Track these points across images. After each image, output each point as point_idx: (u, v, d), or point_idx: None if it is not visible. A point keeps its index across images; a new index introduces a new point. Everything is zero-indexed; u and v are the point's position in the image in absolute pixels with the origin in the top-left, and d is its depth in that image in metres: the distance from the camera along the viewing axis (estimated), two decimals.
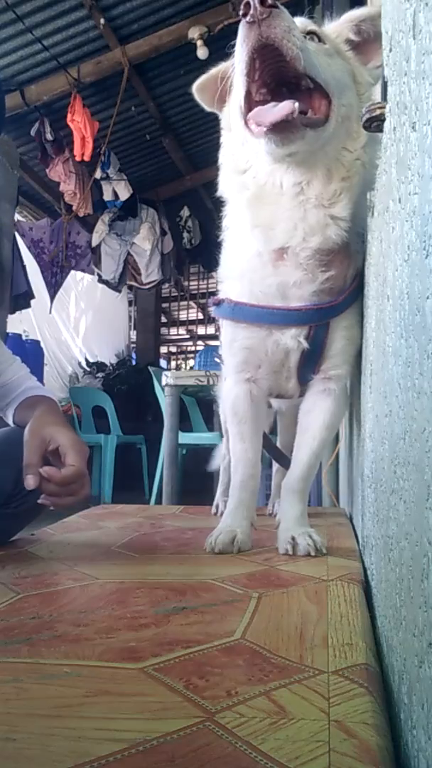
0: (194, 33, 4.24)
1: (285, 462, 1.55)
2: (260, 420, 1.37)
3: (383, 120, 0.78)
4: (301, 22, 1.11)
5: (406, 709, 0.53)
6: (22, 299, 5.10)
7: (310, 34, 1.11)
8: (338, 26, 1.20)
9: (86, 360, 7.00)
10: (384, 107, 0.77)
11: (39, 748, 0.50)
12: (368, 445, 1.01)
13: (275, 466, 1.87)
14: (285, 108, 1.00)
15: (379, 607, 0.81)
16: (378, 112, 0.79)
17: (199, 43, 4.24)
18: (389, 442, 0.70)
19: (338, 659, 0.67)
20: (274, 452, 1.69)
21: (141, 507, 2.10)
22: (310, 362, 1.26)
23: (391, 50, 0.70)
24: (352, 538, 1.37)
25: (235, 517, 1.27)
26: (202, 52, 4.24)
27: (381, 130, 0.80)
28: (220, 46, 4.48)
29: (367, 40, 1.16)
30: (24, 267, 5.15)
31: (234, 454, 1.33)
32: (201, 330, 9.25)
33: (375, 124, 0.81)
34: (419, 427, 0.48)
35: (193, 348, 9.64)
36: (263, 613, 0.82)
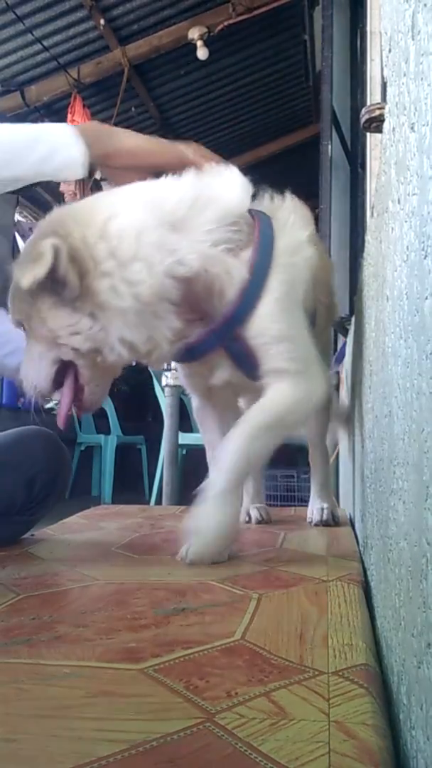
0: (194, 33, 4.23)
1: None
2: (226, 425, 1.27)
3: (382, 120, 0.78)
4: None
5: (405, 709, 0.53)
6: None
7: None
8: None
9: None
10: (383, 108, 0.77)
11: (39, 749, 0.50)
12: (368, 445, 1.01)
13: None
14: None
15: (379, 607, 0.81)
16: (377, 112, 0.80)
17: (199, 43, 4.23)
18: (388, 443, 0.70)
19: (338, 660, 0.67)
20: None
21: (141, 507, 2.10)
22: (246, 367, 1.14)
23: (390, 51, 0.70)
24: (352, 538, 1.37)
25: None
26: (202, 53, 4.24)
27: (380, 131, 0.81)
28: (220, 47, 4.48)
29: None
30: None
31: (209, 462, 1.30)
32: None
33: (374, 124, 0.81)
34: (418, 428, 0.48)
35: None
36: (263, 613, 0.82)
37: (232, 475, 1.07)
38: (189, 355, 1.12)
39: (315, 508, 1.55)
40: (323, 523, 1.51)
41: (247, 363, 1.11)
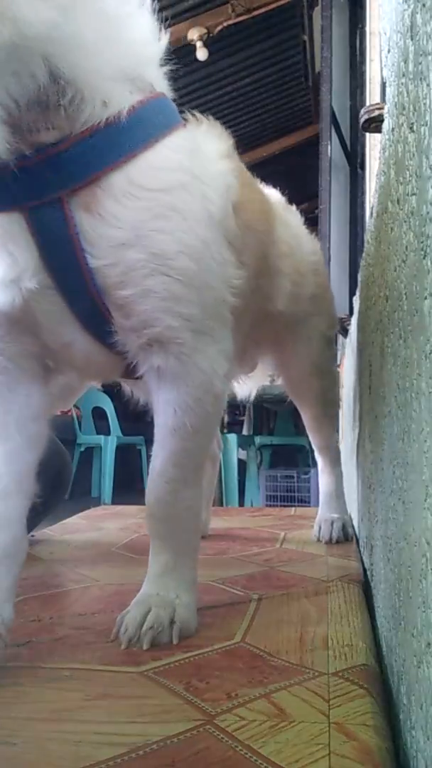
0: (194, 34, 4.23)
1: None
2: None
3: (382, 121, 0.78)
4: None
5: (405, 709, 0.53)
6: None
7: None
8: None
9: None
10: (383, 108, 0.77)
11: (38, 752, 0.50)
12: (368, 445, 1.01)
13: None
14: None
15: (379, 607, 0.81)
16: (377, 113, 0.80)
17: (198, 44, 4.24)
18: (388, 443, 0.70)
19: (338, 660, 0.67)
20: None
21: (141, 508, 2.08)
22: (78, 304, 0.68)
23: (389, 51, 0.70)
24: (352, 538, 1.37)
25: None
26: (201, 54, 4.24)
27: (380, 131, 0.81)
28: (220, 48, 4.48)
29: None
30: None
31: None
32: None
33: (374, 125, 0.81)
34: (417, 428, 0.48)
35: None
36: (263, 615, 0.82)
37: (169, 517, 0.79)
38: None
39: (323, 520, 1.30)
40: (334, 541, 1.26)
41: (89, 312, 0.67)
